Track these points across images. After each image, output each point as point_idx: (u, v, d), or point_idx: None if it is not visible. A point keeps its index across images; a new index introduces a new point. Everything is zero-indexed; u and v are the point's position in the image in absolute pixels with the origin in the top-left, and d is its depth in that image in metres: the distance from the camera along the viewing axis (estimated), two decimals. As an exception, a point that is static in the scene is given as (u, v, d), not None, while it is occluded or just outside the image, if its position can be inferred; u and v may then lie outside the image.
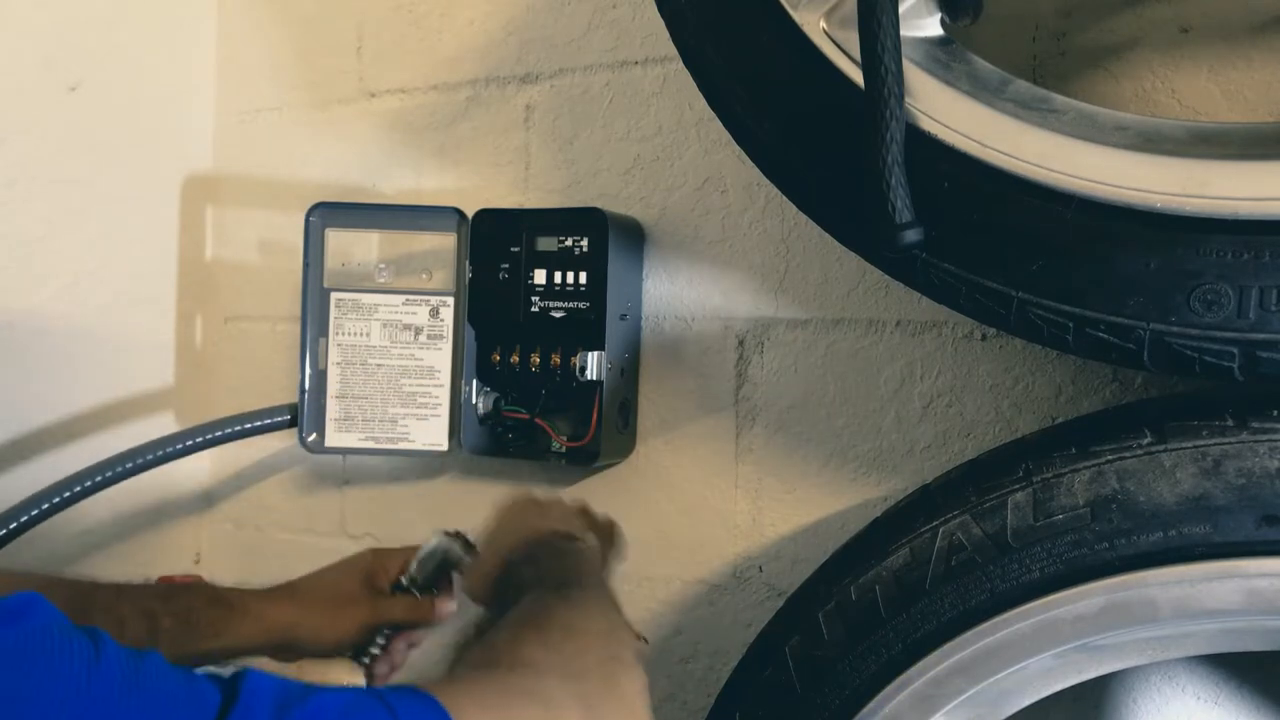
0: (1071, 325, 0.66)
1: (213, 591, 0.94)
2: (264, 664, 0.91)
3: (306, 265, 1.17)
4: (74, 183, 1.30)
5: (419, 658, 0.96)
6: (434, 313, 1.17)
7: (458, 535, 0.94)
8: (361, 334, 1.18)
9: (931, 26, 0.75)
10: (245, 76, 1.40)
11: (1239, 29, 0.85)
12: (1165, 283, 0.63)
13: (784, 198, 0.78)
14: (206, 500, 1.43)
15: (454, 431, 1.16)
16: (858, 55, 0.66)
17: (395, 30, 1.27)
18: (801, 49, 0.72)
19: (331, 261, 1.19)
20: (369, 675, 0.93)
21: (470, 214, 1.13)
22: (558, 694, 0.61)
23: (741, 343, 1.07)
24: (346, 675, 0.94)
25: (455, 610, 0.94)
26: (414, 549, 0.95)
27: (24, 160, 1.25)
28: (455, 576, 0.94)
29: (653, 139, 1.11)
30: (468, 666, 0.64)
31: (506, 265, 1.11)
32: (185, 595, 0.93)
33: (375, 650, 0.93)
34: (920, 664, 0.74)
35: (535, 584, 0.77)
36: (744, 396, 1.06)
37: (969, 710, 0.76)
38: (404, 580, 0.94)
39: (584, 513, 0.94)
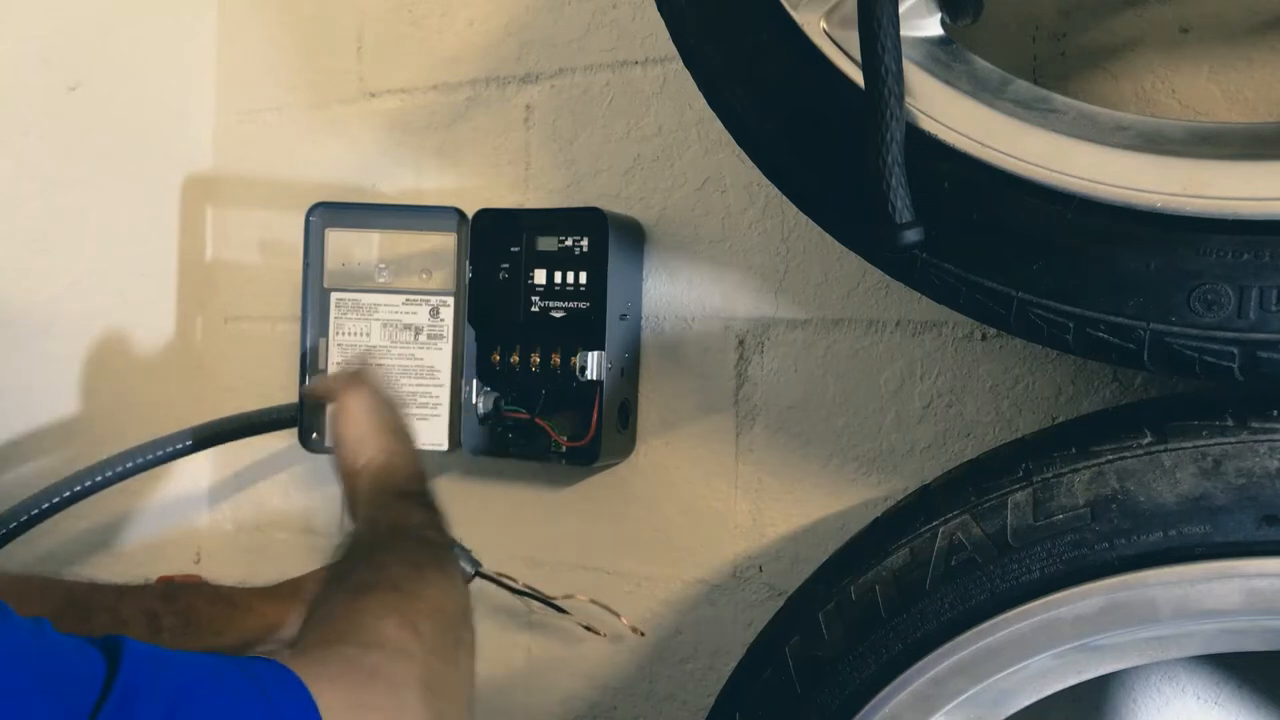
0: (1071, 325, 0.66)
1: (214, 590, 0.94)
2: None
3: (306, 265, 1.17)
4: (74, 183, 1.30)
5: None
6: (434, 313, 1.17)
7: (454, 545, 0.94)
8: (361, 334, 1.18)
9: (931, 26, 0.75)
10: (245, 76, 1.40)
11: (1239, 29, 0.85)
12: (1165, 283, 0.63)
13: (784, 198, 0.78)
14: (206, 500, 1.43)
15: (454, 431, 1.16)
16: (858, 55, 0.66)
17: (395, 30, 1.27)
18: (801, 49, 0.72)
19: (331, 261, 1.19)
20: None
21: (470, 214, 1.13)
22: (407, 678, 0.62)
23: (741, 343, 1.07)
24: None
25: None
26: None
27: (24, 160, 1.25)
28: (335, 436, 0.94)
29: (653, 139, 1.11)
30: (326, 628, 0.66)
31: (506, 265, 1.11)
32: (187, 594, 0.93)
33: None
34: (920, 664, 0.74)
35: (403, 519, 0.81)
36: (744, 396, 1.06)
37: (969, 710, 0.76)
38: None
39: None
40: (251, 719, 0.53)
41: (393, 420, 0.94)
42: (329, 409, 0.97)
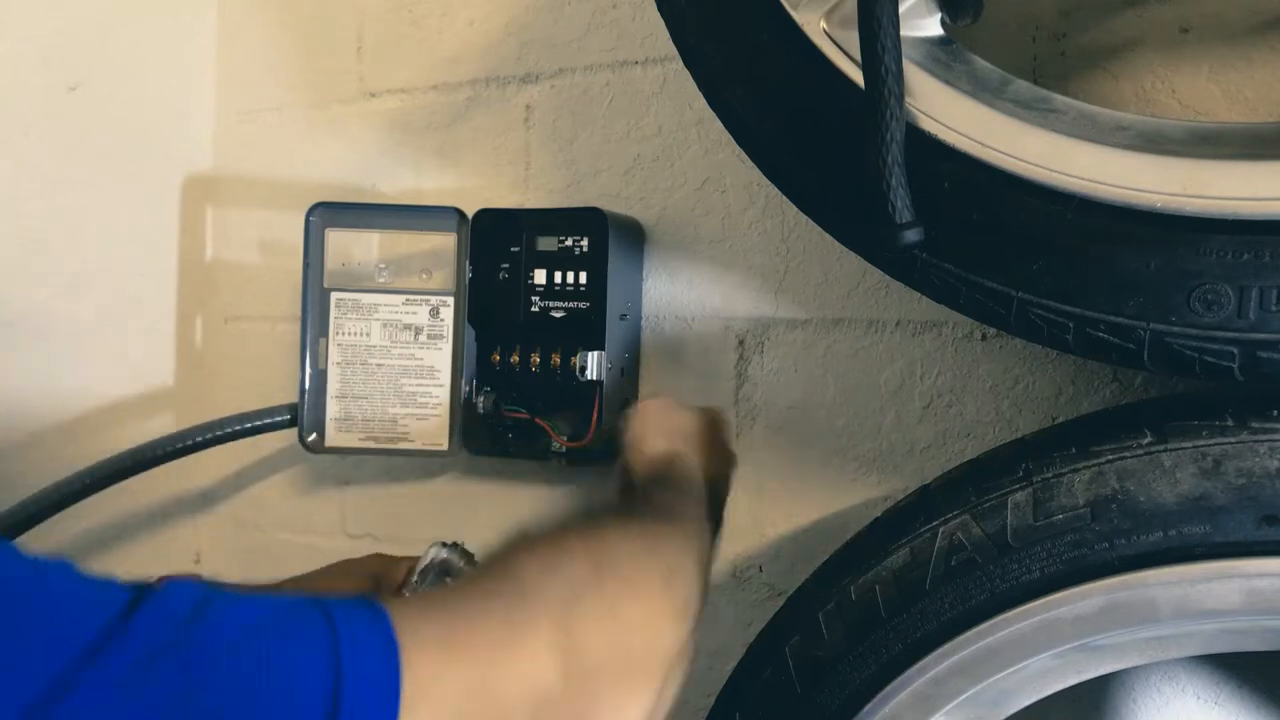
0: (1071, 325, 0.66)
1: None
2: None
3: (306, 265, 1.17)
4: (74, 183, 1.30)
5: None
6: (434, 313, 1.17)
7: (456, 546, 0.94)
8: (361, 334, 1.18)
9: (931, 26, 0.75)
10: (245, 76, 1.40)
11: (1239, 29, 0.85)
12: (1165, 283, 0.63)
13: (784, 198, 0.78)
14: (206, 500, 1.43)
15: (454, 431, 1.16)
16: (858, 55, 0.66)
17: (395, 30, 1.27)
18: (801, 49, 0.72)
19: (331, 261, 1.19)
20: None
21: (470, 214, 1.13)
22: (534, 617, 0.51)
23: (741, 343, 1.07)
24: None
25: None
26: (415, 559, 0.94)
27: (24, 160, 1.25)
28: None
29: (653, 139, 1.11)
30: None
31: (506, 265, 1.11)
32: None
33: None
34: (920, 664, 0.74)
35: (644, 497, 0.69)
36: (744, 396, 1.06)
37: (969, 710, 0.76)
38: (405, 592, 0.93)
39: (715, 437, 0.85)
40: (298, 635, 0.44)
41: (702, 433, 0.83)
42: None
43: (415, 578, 0.92)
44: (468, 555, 0.95)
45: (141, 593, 0.44)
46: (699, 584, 0.64)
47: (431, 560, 0.92)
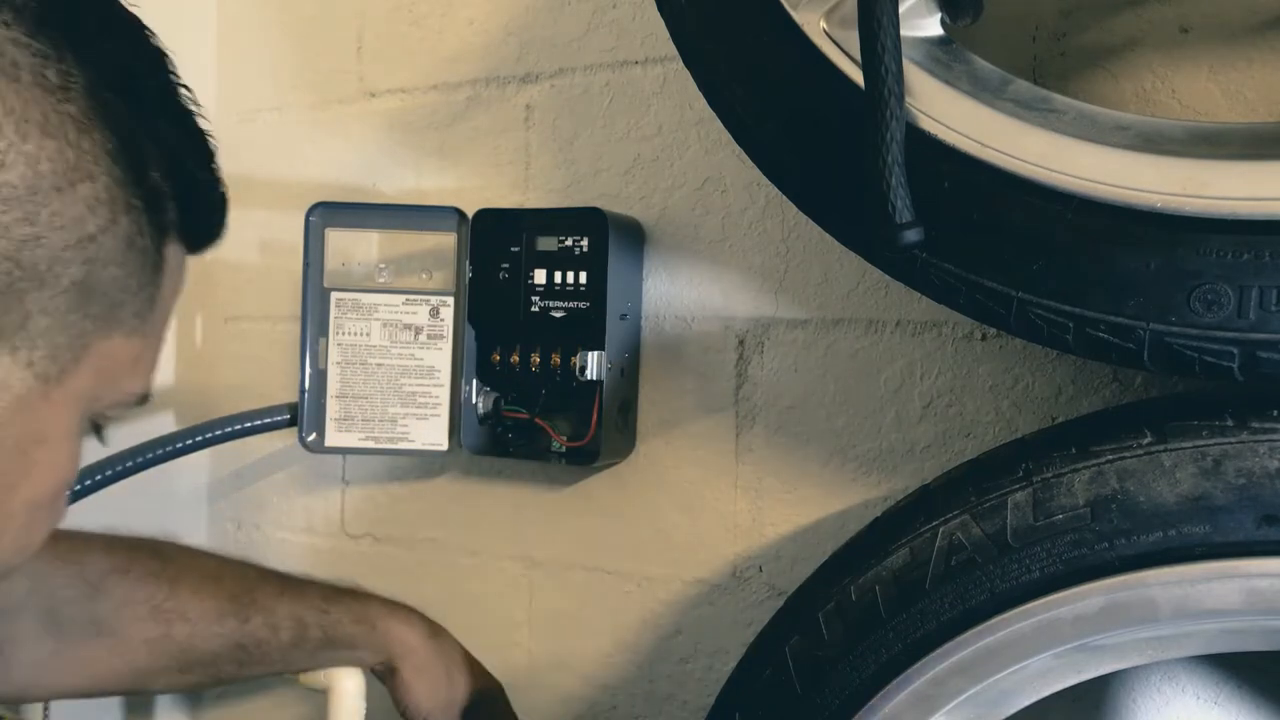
0: (1071, 325, 0.66)
1: (360, 609, 0.95)
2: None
3: (306, 265, 1.17)
4: (74, 183, 1.30)
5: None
6: (434, 313, 1.17)
7: None
8: (361, 334, 1.18)
9: (931, 26, 0.75)
10: (245, 76, 1.40)
11: (1239, 29, 0.85)
12: (1165, 283, 0.63)
13: (784, 198, 0.78)
14: (206, 500, 1.43)
15: (454, 431, 1.16)
16: (858, 55, 0.66)
17: (395, 30, 1.27)
18: (801, 49, 0.72)
19: (331, 261, 1.19)
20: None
21: (470, 214, 1.13)
22: None
23: (741, 343, 1.07)
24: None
25: None
26: None
27: (24, 160, 1.25)
28: None
29: (653, 139, 1.11)
30: None
31: (506, 265, 1.11)
32: (340, 605, 0.93)
33: None
34: (920, 664, 0.74)
35: None
36: (744, 396, 1.06)
37: (969, 710, 0.76)
38: None
39: None
40: None
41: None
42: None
43: None
44: None
45: None
46: None
47: None
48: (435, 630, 0.97)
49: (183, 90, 0.58)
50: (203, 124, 0.60)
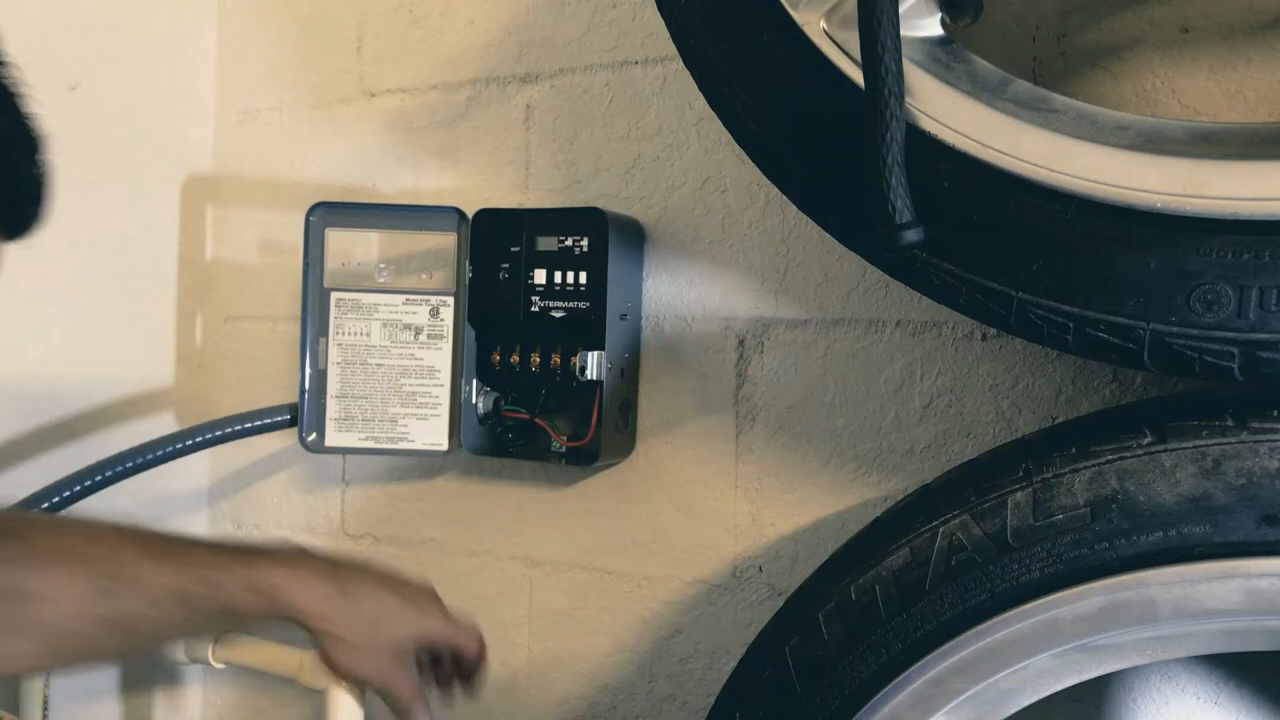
0: (1071, 325, 0.66)
1: (253, 577, 0.88)
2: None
3: (306, 265, 1.17)
4: (74, 183, 1.30)
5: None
6: (434, 313, 1.17)
7: None
8: (361, 334, 1.18)
9: (931, 26, 0.75)
10: (245, 76, 1.40)
11: (1239, 29, 0.85)
12: (1165, 283, 0.63)
13: (784, 198, 0.78)
14: (206, 500, 1.43)
15: (454, 431, 1.16)
16: (858, 55, 0.66)
17: (395, 30, 1.27)
18: (801, 49, 0.72)
19: (331, 261, 1.19)
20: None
21: (470, 214, 1.13)
22: None
23: (741, 343, 1.07)
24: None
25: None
26: None
27: (24, 160, 1.25)
28: None
29: (653, 139, 1.11)
30: None
31: (506, 265, 1.11)
32: (220, 571, 0.88)
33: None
34: (920, 664, 0.74)
35: None
36: (744, 396, 1.06)
37: (969, 710, 0.76)
38: None
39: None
40: None
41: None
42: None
43: None
44: None
45: None
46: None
47: None
48: (341, 583, 0.88)
49: (11, 71, 0.56)
50: (31, 107, 0.58)
